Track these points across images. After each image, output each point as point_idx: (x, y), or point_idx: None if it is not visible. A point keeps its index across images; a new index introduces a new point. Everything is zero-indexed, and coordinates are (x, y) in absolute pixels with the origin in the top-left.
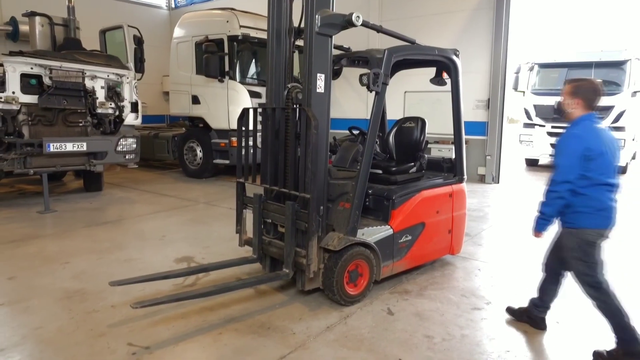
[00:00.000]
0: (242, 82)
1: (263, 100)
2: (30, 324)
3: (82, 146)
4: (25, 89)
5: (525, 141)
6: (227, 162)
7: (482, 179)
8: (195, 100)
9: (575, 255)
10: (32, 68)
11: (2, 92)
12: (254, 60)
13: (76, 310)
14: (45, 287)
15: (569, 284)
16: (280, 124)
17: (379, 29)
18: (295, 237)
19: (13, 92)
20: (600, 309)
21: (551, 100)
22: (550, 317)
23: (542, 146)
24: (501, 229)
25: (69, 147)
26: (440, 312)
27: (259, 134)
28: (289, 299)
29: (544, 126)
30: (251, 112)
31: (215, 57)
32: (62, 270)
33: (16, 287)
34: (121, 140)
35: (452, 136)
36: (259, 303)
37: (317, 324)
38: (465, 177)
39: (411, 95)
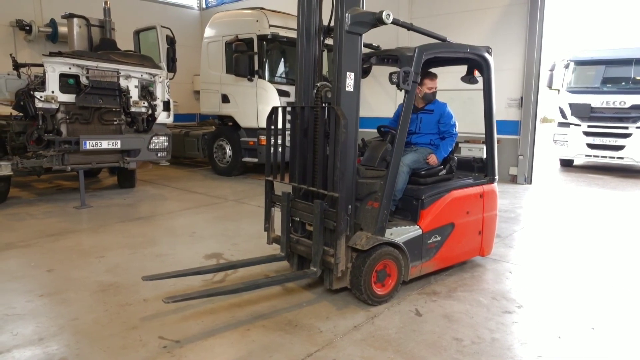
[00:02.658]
0: (271, 81)
1: (292, 99)
2: (67, 315)
3: (117, 144)
4: (64, 88)
5: (560, 141)
6: (255, 160)
7: (514, 180)
8: (225, 99)
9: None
10: (70, 68)
11: (43, 91)
12: (283, 59)
13: (110, 303)
14: (82, 279)
15: (606, 291)
16: (309, 123)
17: (409, 27)
18: (323, 236)
19: (52, 92)
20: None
21: (587, 99)
22: (585, 323)
23: (577, 146)
24: (533, 231)
25: (104, 144)
26: (469, 314)
27: (287, 132)
28: (316, 298)
29: (579, 125)
30: (280, 110)
31: (245, 57)
32: (97, 263)
33: (54, 279)
34: (153, 138)
35: (483, 135)
36: (287, 301)
37: (344, 323)
38: (496, 177)
39: (442, 93)
